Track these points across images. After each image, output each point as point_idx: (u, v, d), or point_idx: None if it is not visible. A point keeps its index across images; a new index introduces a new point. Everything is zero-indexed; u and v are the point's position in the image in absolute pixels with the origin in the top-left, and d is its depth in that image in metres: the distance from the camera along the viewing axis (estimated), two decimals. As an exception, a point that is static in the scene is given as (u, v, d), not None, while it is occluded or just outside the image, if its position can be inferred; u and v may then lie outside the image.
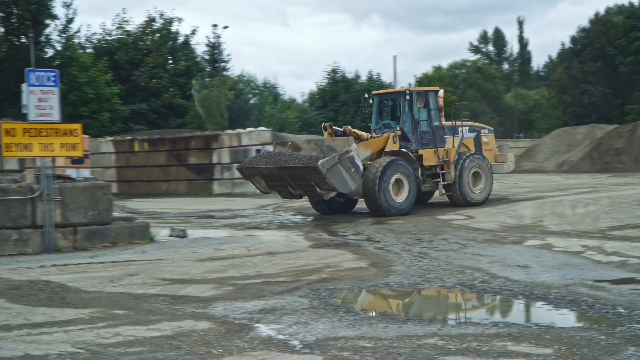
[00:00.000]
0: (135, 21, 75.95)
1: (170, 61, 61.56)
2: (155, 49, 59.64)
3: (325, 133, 25.23)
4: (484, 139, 27.69)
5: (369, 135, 25.19)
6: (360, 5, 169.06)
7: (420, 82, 72.46)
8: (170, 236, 18.78)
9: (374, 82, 70.93)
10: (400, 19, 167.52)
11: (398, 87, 59.57)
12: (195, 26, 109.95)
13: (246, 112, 64.40)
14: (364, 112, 30.44)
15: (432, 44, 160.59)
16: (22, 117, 17.01)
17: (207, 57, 66.72)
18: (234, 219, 24.53)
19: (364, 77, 74.35)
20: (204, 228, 21.47)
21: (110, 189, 17.75)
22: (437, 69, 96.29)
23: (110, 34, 61.92)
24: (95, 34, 62.24)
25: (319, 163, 21.35)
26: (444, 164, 25.38)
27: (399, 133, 24.47)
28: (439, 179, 25.24)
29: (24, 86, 16.24)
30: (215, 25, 67.58)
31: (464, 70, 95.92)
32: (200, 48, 68.34)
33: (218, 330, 9.09)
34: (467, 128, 27.47)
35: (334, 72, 72.09)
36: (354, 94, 64.71)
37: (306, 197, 24.27)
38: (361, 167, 22.63)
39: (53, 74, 16.55)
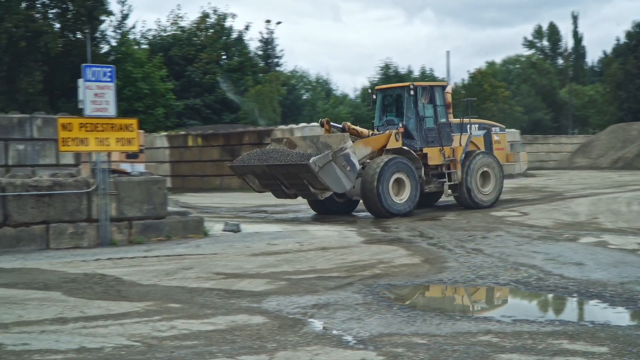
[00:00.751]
0: (190, 17, 76.61)
1: (224, 57, 61.87)
2: (209, 45, 59.97)
3: (323, 129, 24.53)
4: (495, 138, 26.45)
5: (370, 133, 24.44)
6: (413, 0, 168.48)
7: (473, 77, 71.90)
8: (224, 231, 18.89)
9: (426, 78, 70.69)
10: (453, 13, 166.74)
11: (450, 83, 59.18)
12: (248, 22, 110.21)
13: (299, 107, 64.56)
14: (367, 108, 28.89)
15: (486, 39, 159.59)
16: (78, 112, 17.23)
17: (260, 52, 66.95)
18: (286, 214, 24.59)
19: (416, 73, 74.15)
20: (257, 223, 21.55)
21: (165, 183, 17.89)
22: (491, 64, 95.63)
23: (165, 30, 62.43)
24: (150, 30, 62.93)
25: (311, 161, 20.66)
26: (450, 163, 24.32)
27: (401, 130, 23.54)
28: (444, 179, 24.19)
29: (80, 81, 16.43)
30: (268, 21, 68.05)
31: (518, 66, 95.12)
32: (253, 44, 68.45)
33: (272, 324, 9.12)
34: (477, 126, 26.23)
35: (386, 67, 71.99)
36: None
37: (308, 198, 23.72)
38: (357, 166, 21.87)
39: (109, 69, 16.72)
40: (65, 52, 43.07)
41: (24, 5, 41.87)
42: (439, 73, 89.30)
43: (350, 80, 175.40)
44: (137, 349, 8.06)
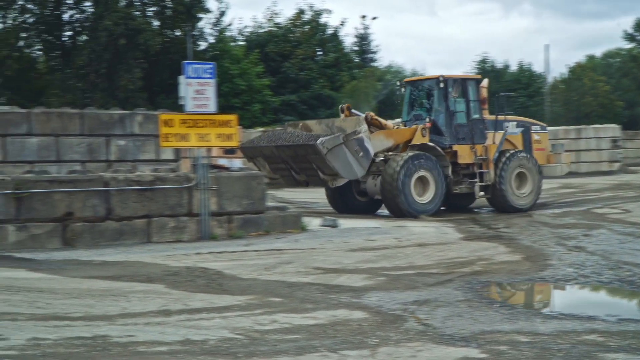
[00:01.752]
0: (286, 14, 77.00)
1: (320, 53, 62.06)
2: (305, 41, 60.22)
3: (342, 115, 23.13)
4: (535, 137, 24.73)
5: (395, 127, 23.27)
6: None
7: (573, 71, 70.55)
8: (322, 226, 18.95)
9: (524, 72, 69.71)
10: (551, 6, 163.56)
11: (549, 77, 58.12)
12: (344, 18, 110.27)
13: (394, 103, 64.32)
14: (396, 102, 26.99)
15: (585, 32, 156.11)
16: (178, 109, 17.49)
17: (355, 48, 66.96)
18: (383, 209, 24.55)
19: (514, 67, 73.18)
20: (355, 218, 21.55)
21: (263, 178, 18.04)
22: (591, 57, 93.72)
23: (261, 27, 62.90)
24: (246, 27, 63.34)
25: (318, 141, 19.62)
26: (482, 162, 22.86)
27: (428, 125, 22.16)
28: (476, 180, 22.76)
29: (181, 78, 16.67)
30: (364, 17, 67.83)
31: (618, 59, 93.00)
32: (348, 40, 68.49)
33: (373, 320, 9.11)
34: (515, 123, 24.54)
35: (483, 62, 71.28)
36: (504, 84, 63.70)
37: (319, 186, 22.36)
38: (372, 153, 20.67)
39: (210, 66, 16.92)
40: (164, 50, 43.76)
41: (123, 3, 42.68)
42: (538, 67, 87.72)
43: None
44: (241, 342, 8.14)
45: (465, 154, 22.75)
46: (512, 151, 23.46)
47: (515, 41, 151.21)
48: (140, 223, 16.29)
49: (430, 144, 22.12)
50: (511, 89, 55.42)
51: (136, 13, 42.44)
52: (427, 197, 21.72)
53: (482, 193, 23.01)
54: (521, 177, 23.43)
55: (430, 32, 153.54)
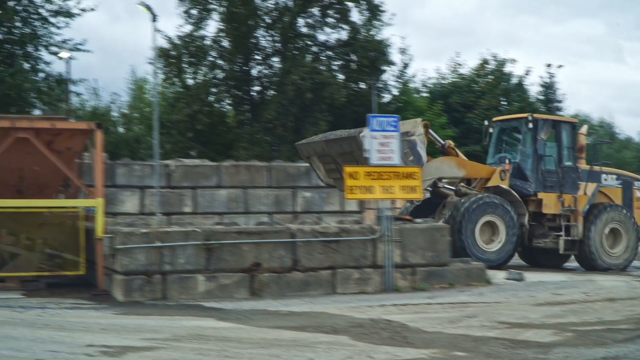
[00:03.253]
0: (469, 64, 76.66)
1: (504, 102, 61.43)
2: (489, 91, 59.75)
3: None
4: (638, 194, 22.54)
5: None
6: None
7: None
8: (507, 279, 18.65)
9: None
10: None
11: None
12: (528, 67, 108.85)
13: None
14: (484, 144, 24.36)
15: None
16: (363, 161, 17.68)
17: (541, 97, 65.90)
18: (570, 262, 23.86)
19: None
20: (541, 272, 21.06)
21: (447, 230, 17.95)
22: None
23: (444, 78, 62.95)
24: (430, 78, 63.52)
25: (361, 134, 18.07)
26: (570, 214, 21.10)
27: (507, 167, 20.82)
28: (561, 233, 20.92)
29: (365, 131, 16.92)
30: (549, 65, 66.65)
31: None
32: (533, 89, 67.47)
33: (561, 377, 8.89)
34: (615, 176, 22.60)
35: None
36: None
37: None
38: (424, 160, 19.10)
39: (394, 119, 17.10)
40: (348, 102, 44.43)
41: (309, 58, 43.71)
42: None
43: (635, 123, 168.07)
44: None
45: (550, 203, 21.16)
46: (606, 204, 21.71)
47: None
48: (325, 274, 16.52)
49: (504, 187, 20.73)
50: None
51: (322, 67, 43.33)
52: (495, 245, 20.36)
53: (565, 247, 21.18)
54: (615, 234, 21.66)
55: (618, 78, 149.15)
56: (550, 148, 21.66)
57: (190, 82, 44.71)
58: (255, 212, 26.65)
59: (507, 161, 21.36)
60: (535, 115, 21.76)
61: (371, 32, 44.44)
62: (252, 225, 18.50)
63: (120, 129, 53.54)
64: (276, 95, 42.82)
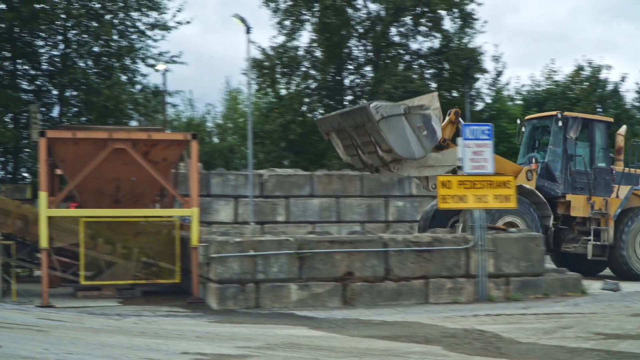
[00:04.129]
0: (564, 71, 75.58)
1: (599, 110, 60.36)
2: (584, 98, 58.79)
3: (447, 118, 20.04)
4: None
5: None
6: None
7: None
8: (603, 289, 18.34)
9: None
10: None
11: None
12: (624, 73, 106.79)
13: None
14: (517, 144, 23.14)
15: None
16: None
17: (637, 103, 64.53)
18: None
19: None
20: (637, 282, 20.59)
21: (542, 240, 17.72)
22: None
23: (539, 85, 62.15)
24: (524, 85, 62.76)
25: (372, 105, 17.58)
26: (601, 217, 20.00)
27: (534, 167, 19.80)
28: (590, 237, 19.77)
29: (459, 140, 16.84)
30: (645, 71, 65.22)
31: None
32: (629, 95, 66.12)
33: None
34: None
35: None
36: None
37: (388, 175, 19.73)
38: (439, 136, 18.21)
39: (487, 127, 17.00)
40: (443, 111, 44.30)
41: (401, 67, 43.64)
42: None
43: None
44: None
45: (579, 205, 20.10)
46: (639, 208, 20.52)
47: None
48: (417, 284, 16.49)
49: (528, 187, 19.78)
50: None
51: (414, 76, 43.22)
52: None
53: (593, 252, 20.01)
54: None
55: None
56: (582, 148, 20.75)
57: (283, 92, 45.05)
58: (347, 221, 26.74)
59: (534, 160, 20.57)
60: (567, 113, 20.90)
61: (464, 40, 44.12)
62: (344, 234, 18.57)
63: (215, 139, 54.20)
64: (369, 104, 42.82)
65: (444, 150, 19.22)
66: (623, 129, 21.59)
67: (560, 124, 20.29)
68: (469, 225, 17.46)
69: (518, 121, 22.53)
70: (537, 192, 19.95)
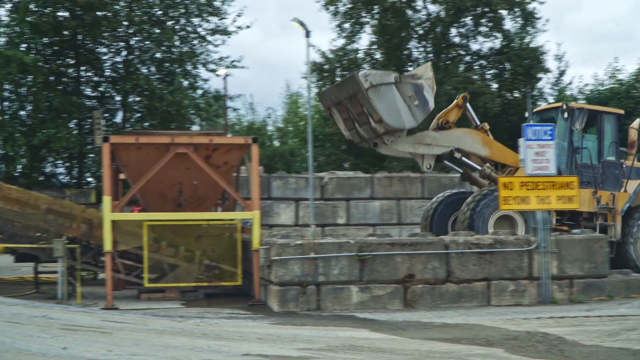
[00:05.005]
0: (628, 69, 74.44)
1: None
2: (649, 97, 57.93)
3: (455, 101, 19.87)
4: None
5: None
6: None
7: None
8: (669, 291, 18.01)
9: None
10: None
11: None
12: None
13: None
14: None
15: None
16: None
17: None
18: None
19: None
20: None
21: (605, 241, 17.48)
22: None
23: (602, 84, 61.37)
24: (587, 84, 62.01)
25: (361, 73, 17.20)
26: (607, 212, 19.13)
27: None
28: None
29: (521, 141, 16.69)
30: None
31: None
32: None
33: None
34: None
35: None
36: None
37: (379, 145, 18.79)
38: (431, 106, 17.63)
39: (549, 128, 16.82)
40: (502, 111, 43.86)
41: (462, 68, 43.39)
42: None
43: None
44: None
45: (584, 199, 18.86)
46: None
47: None
48: (479, 286, 16.39)
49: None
50: None
51: (475, 77, 42.95)
52: None
53: None
54: None
55: None
56: (591, 141, 19.87)
57: (343, 95, 45.12)
58: (408, 223, 26.66)
59: None
60: (572, 104, 20.12)
61: (525, 40, 43.70)
62: (405, 236, 18.52)
63: (276, 143, 54.47)
64: (429, 106, 42.68)
65: (445, 131, 19.19)
66: (637, 123, 20.51)
67: (565, 115, 19.54)
68: (532, 227, 17.30)
69: (526, 114, 21.38)
70: None
